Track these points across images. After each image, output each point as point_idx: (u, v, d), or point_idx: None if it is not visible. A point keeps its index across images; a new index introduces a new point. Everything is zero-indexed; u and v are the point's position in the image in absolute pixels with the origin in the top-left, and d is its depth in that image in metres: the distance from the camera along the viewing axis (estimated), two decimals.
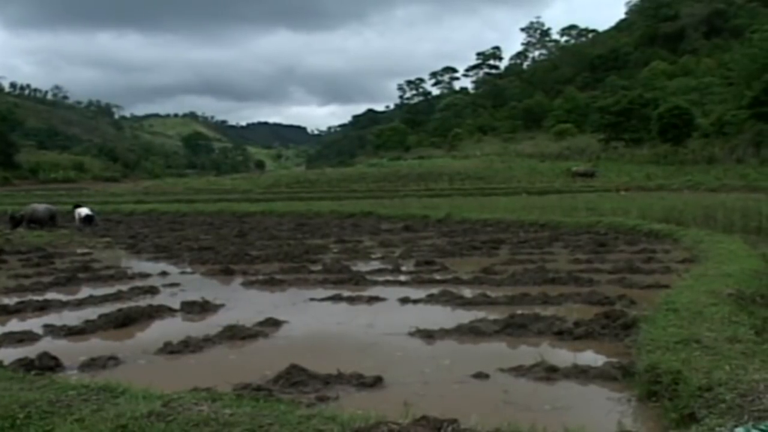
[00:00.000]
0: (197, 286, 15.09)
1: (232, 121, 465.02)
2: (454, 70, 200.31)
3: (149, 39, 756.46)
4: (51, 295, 13.91)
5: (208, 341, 9.92)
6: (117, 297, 13.50)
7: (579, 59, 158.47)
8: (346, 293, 13.59)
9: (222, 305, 12.74)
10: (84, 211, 28.36)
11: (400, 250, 20.51)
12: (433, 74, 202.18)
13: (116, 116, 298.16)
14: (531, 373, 8.16)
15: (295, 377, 7.90)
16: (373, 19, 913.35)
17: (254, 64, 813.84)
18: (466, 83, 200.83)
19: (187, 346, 9.64)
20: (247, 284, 15.37)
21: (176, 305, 12.52)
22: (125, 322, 11.23)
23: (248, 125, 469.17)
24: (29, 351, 9.26)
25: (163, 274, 16.79)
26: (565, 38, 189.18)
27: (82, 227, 27.63)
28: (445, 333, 10.20)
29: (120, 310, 11.72)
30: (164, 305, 12.45)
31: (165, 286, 15.01)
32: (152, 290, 14.34)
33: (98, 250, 22.31)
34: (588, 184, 61.35)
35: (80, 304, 12.97)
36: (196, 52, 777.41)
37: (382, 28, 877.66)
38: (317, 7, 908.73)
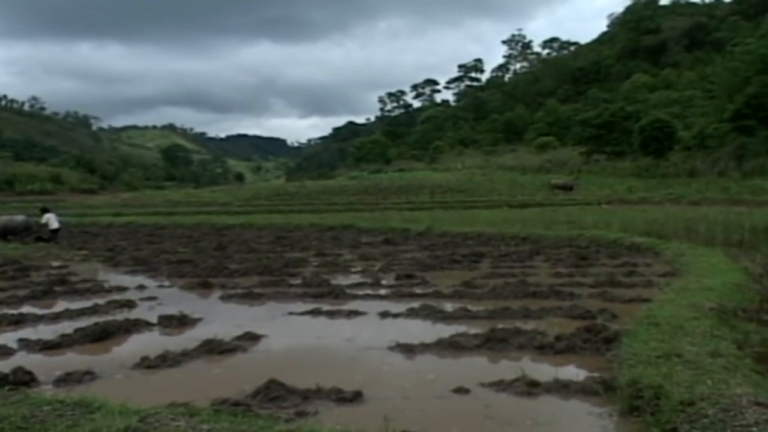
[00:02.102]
0: (175, 299, 15.04)
1: (211, 133, 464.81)
2: (436, 83, 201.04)
3: (130, 50, 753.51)
4: (26, 309, 13.84)
5: (185, 355, 9.87)
6: (93, 311, 13.43)
7: (560, 72, 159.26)
8: (325, 307, 13.57)
9: (200, 319, 12.69)
10: (52, 222, 28.11)
11: (380, 264, 20.49)
12: (414, 86, 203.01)
13: (94, 128, 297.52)
14: (512, 388, 8.15)
15: (273, 392, 7.87)
16: (356, 31, 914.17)
17: (235, 76, 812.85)
18: (448, 96, 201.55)
19: (165, 360, 9.59)
20: (225, 298, 15.31)
21: (154, 319, 12.46)
22: (102, 336, 11.16)
23: (228, 137, 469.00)
24: (3, 365, 9.18)
25: (141, 287, 16.71)
26: (546, 51, 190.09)
27: (48, 235, 27.55)
28: (425, 347, 10.19)
29: (96, 324, 11.66)
30: (141, 319, 12.39)
31: (142, 299, 14.94)
32: (129, 304, 14.27)
33: (75, 263, 22.23)
34: (569, 197, 61.50)
35: (56, 317, 12.89)
36: (177, 63, 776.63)
37: (364, 40, 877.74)
38: (300, 19, 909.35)
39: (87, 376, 8.89)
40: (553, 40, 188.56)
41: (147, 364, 9.47)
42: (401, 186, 77.78)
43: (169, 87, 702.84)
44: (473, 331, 11.14)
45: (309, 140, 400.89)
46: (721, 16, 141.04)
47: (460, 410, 7.59)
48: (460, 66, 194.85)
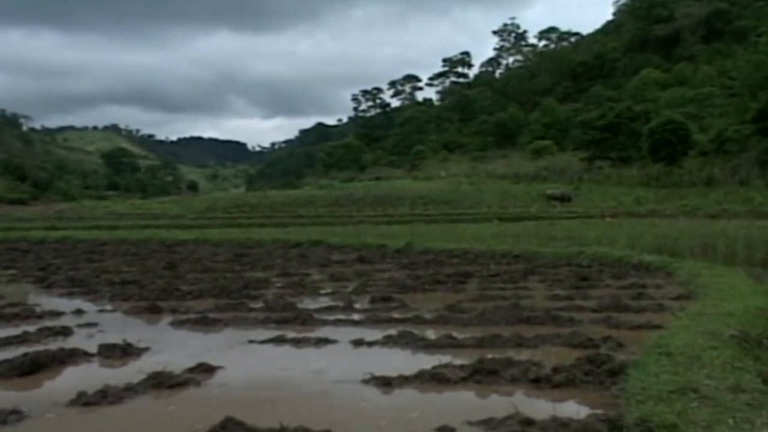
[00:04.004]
0: (118, 326, 14.93)
1: (161, 136, 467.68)
2: (417, 79, 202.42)
3: (67, 39, 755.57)
4: None
5: (129, 390, 9.78)
6: (22, 339, 13.28)
7: (559, 66, 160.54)
8: (290, 334, 13.49)
9: (147, 348, 12.59)
10: None
11: (353, 285, 20.46)
12: (393, 83, 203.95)
13: (25, 128, 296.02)
14: (503, 427, 8.12)
15: None
16: (328, 20, 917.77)
17: (189, 70, 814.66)
18: (430, 94, 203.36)
19: (105, 396, 9.49)
20: (176, 324, 15.23)
21: (93, 349, 12.33)
22: (32, 368, 11.05)
23: (180, 140, 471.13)
24: None
25: (79, 312, 16.55)
26: (543, 42, 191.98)
27: None
28: (404, 380, 10.15)
29: (26, 354, 11.53)
30: (79, 349, 12.25)
31: (80, 326, 14.79)
32: (65, 331, 14.11)
33: (1, 284, 22.09)
34: (568, 209, 61.89)
35: None
36: (123, 55, 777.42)
37: (337, 30, 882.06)
38: (264, 5, 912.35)
39: (13, 415, 8.78)
40: (551, 30, 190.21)
41: (84, 400, 9.35)
42: (377, 196, 78.28)
43: (113, 82, 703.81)
44: (459, 361, 11.11)
45: (273, 144, 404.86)
46: (743, 3, 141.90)
47: None
48: (444, 60, 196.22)
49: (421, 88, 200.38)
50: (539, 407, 8.87)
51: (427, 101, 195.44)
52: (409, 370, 10.54)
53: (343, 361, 11.64)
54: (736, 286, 16.61)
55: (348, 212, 66.63)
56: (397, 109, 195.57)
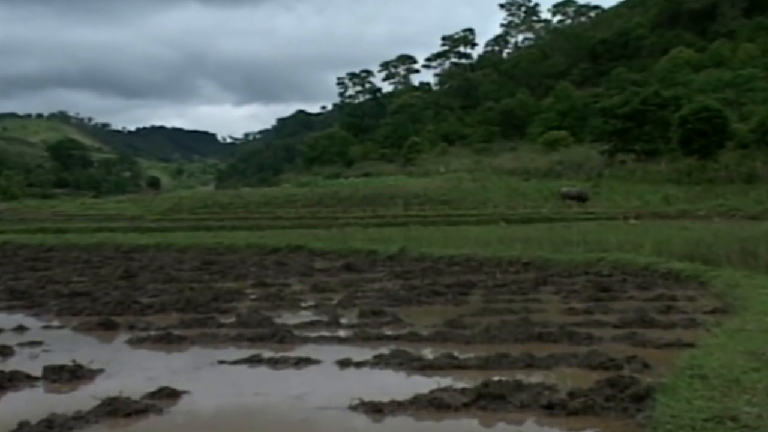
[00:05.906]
0: (67, 344, 14.88)
1: (117, 125, 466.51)
2: (413, 60, 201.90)
3: (7, 11, 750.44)
4: None
5: (80, 420, 9.74)
6: None
7: (576, 45, 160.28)
8: (267, 353, 13.48)
9: (100, 371, 12.55)
10: None
11: (338, 297, 20.44)
12: (385, 65, 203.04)
13: None
14: None
15: None
16: None
17: (150, 49, 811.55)
18: (428, 77, 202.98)
19: (51, 426, 9.44)
20: (134, 342, 15.20)
21: (37, 371, 12.29)
22: None
23: (139, 130, 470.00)
24: None
25: (20, 329, 16.50)
26: (557, 18, 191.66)
27: None
28: (397, 406, 10.14)
29: None
30: (20, 371, 12.20)
31: (22, 345, 14.74)
32: (4, 351, 14.07)
33: None
34: (586, 209, 61.78)
35: None
36: (73, 31, 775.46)
37: (321, 3, 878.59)
38: None
39: None
40: (567, 3, 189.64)
41: (26, 431, 9.35)
42: (366, 195, 78.17)
43: (62, 63, 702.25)
44: (460, 384, 11.10)
45: (246, 135, 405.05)
46: None
47: None
48: (444, 38, 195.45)
49: (417, 71, 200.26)
50: None
51: (424, 85, 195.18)
52: (404, 394, 10.52)
53: (327, 384, 11.63)
54: None
55: (333, 213, 66.57)
56: (389, 94, 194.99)
